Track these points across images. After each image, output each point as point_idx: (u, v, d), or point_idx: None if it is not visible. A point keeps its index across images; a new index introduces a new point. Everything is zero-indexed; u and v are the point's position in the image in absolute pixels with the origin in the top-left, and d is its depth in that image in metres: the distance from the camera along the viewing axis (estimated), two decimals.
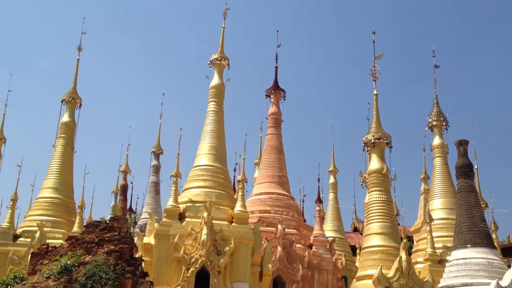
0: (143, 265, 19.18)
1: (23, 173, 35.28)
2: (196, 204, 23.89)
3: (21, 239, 27.05)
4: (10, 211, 28.55)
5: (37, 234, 25.89)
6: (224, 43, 28.47)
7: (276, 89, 34.13)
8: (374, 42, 27.23)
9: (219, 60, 27.89)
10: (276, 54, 35.24)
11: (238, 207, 24.17)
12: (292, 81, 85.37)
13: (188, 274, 21.43)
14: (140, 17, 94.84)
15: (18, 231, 27.78)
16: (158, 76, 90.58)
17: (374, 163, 24.57)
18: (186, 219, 23.51)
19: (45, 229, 26.44)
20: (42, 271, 16.92)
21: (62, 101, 32.10)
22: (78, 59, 33.43)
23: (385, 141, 24.90)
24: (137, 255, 19.40)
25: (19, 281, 16.92)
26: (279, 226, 27.00)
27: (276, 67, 34.90)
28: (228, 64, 28.13)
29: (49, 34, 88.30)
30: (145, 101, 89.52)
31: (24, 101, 77.09)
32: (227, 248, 22.20)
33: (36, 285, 16.06)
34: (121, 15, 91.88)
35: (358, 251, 33.71)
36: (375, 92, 25.87)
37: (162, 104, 42.83)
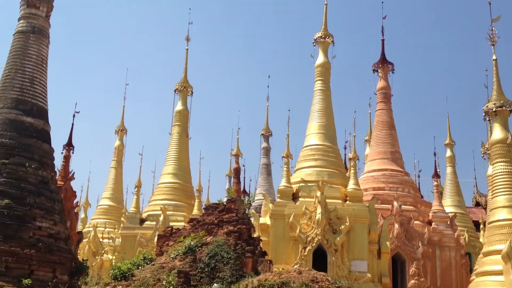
0: (261, 244, 19.66)
1: (145, 161, 37.46)
2: (309, 184, 24.01)
3: (147, 222, 28.85)
4: (135, 197, 30.52)
5: (161, 218, 27.47)
6: (328, 19, 28.11)
7: (383, 63, 33.14)
8: (490, 3, 25.49)
9: (323, 38, 27.58)
10: (382, 27, 34.18)
11: (351, 185, 23.94)
12: (400, 53, 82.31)
13: (306, 253, 21.67)
14: (242, 1, 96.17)
15: (144, 215, 29.65)
16: (263, 59, 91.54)
17: (497, 133, 23.12)
18: (300, 199, 23.71)
19: (167, 212, 27.98)
20: (169, 252, 17.97)
21: (175, 91, 33.58)
22: (187, 49, 34.75)
23: (508, 109, 23.32)
24: (254, 235, 19.95)
25: (148, 262, 18.07)
26: (395, 203, 26.37)
27: (383, 40, 33.85)
28: (332, 41, 27.74)
29: (158, 26, 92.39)
30: (252, 84, 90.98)
31: (140, 93, 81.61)
32: (342, 226, 22.12)
33: (164, 265, 17.08)
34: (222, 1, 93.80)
35: (482, 226, 32.06)
36: (494, 57, 24.21)
37: (268, 86, 43.31)
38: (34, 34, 15.36)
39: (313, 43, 27.92)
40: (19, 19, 15.54)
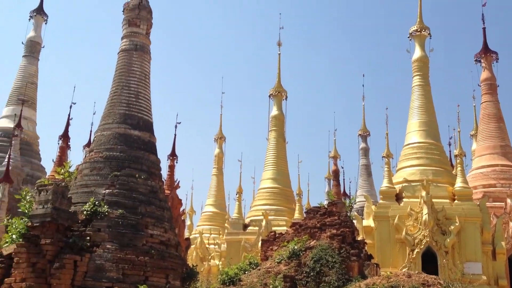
0: (366, 247, 19.23)
1: (244, 167, 38.10)
2: (412, 184, 23.19)
3: (250, 227, 29.28)
4: (237, 202, 31.09)
5: (263, 223, 27.74)
6: (423, 11, 27.08)
7: (486, 52, 31.35)
8: None
9: (418, 31, 26.62)
10: (482, 14, 32.38)
11: (459, 183, 22.80)
12: (504, 42, 77.48)
13: (414, 255, 20.91)
14: (327, 1, 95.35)
15: (246, 220, 30.13)
16: (356, 58, 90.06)
17: None
18: (404, 200, 22.96)
19: (269, 217, 28.21)
20: (273, 257, 18.08)
21: (269, 96, 33.88)
22: (279, 54, 34.95)
23: None
24: (358, 238, 19.56)
25: (254, 267, 18.28)
26: (508, 200, 24.76)
27: (484, 29, 32.05)
28: (429, 34, 26.69)
29: (250, 33, 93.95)
30: (346, 84, 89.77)
31: (236, 100, 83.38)
32: (452, 227, 21.10)
33: (269, 269, 17.20)
34: (309, 4, 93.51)
35: None
36: None
37: (363, 85, 42.42)
38: (136, 52, 16.16)
39: (409, 37, 27.02)
40: (122, 38, 16.42)
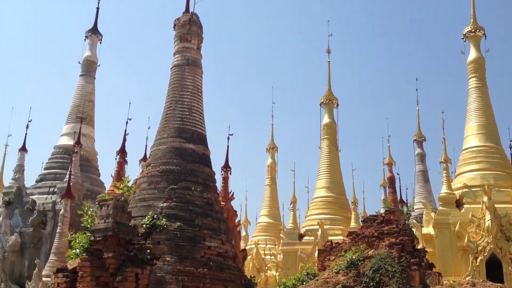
0: (426, 256, 18.71)
1: (297, 176, 37.98)
2: (473, 189, 22.45)
3: (305, 237, 29.09)
4: (292, 212, 30.98)
5: (319, 232, 27.50)
6: (476, 12, 26.32)
7: None
8: None
9: (473, 32, 25.87)
10: None
11: None
12: None
13: (477, 263, 20.18)
14: (376, 6, 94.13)
15: (302, 230, 29.94)
16: (408, 61, 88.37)
17: None
18: (464, 206, 22.24)
19: (325, 226, 27.94)
20: (331, 267, 17.86)
21: (320, 104, 33.69)
22: (329, 62, 34.75)
23: None
24: (418, 247, 19.07)
25: (311, 277, 18.13)
26: None
27: None
28: (484, 34, 25.89)
29: (298, 42, 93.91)
30: (399, 89, 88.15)
31: (286, 109, 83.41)
32: None
33: (327, 280, 17.00)
34: (357, 10, 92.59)
35: None
36: None
37: (417, 89, 41.54)
38: (188, 66, 16.46)
39: (463, 38, 26.30)
40: (174, 54, 16.77)
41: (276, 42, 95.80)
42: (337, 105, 33.64)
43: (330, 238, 25.32)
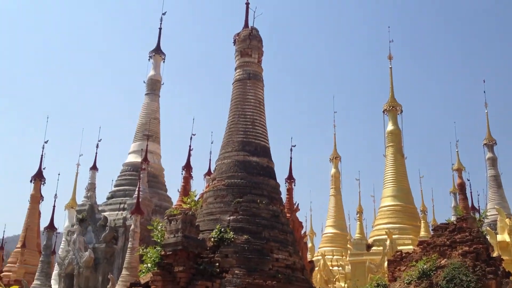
0: (502, 264, 17.91)
1: (362, 185, 37.32)
2: None
3: (373, 248, 28.53)
4: (358, 222, 30.48)
5: (387, 242, 26.91)
6: None
7: None
8: None
9: None
10: None
11: None
12: None
13: None
14: (439, 7, 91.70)
15: (369, 240, 29.39)
16: (475, 64, 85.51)
17: None
18: None
19: (393, 236, 27.32)
20: (402, 278, 17.43)
21: (383, 111, 33.13)
22: (391, 68, 34.17)
23: None
24: (494, 255, 18.29)
25: None
26: None
27: None
28: None
29: (359, 50, 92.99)
30: (465, 93, 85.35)
31: (349, 118, 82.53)
32: None
33: None
34: (418, 13, 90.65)
35: None
36: None
37: (484, 92, 39.96)
38: (250, 80, 16.65)
39: None
40: (235, 69, 17.02)
41: (336, 51, 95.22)
42: (401, 111, 32.99)
43: (399, 248, 24.74)
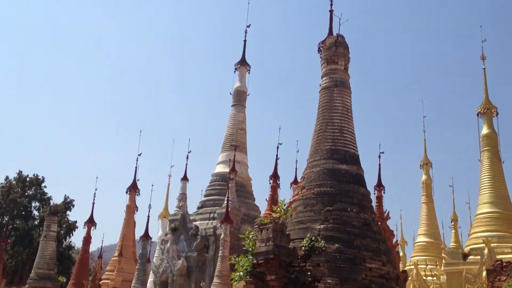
0: None
1: (456, 192, 35.80)
2: None
3: (470, 257, 27.23)
4: (453, 231, 29.28)
5: (485, 251, 25.55)
6: None
7: None
8: None
9: None
10: None
11: None
12: None
13: None
14: None
15: (466, 249, 28.08)
16: None
17: None
18: None
19: (492, 244, 25.92)
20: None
21: (477, 114, 31.71)
22: (484, 69, 32.64)
23: None
24: None
25: None
26: None
27: None
28: None
29: (449, 51, 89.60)
30: None
31: (439, 123, 79.58)
32: None
33: None
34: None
35: None
36: None
37: None
38: (336, 88, 16.53)
39: None
40: (322, 76, 16.98)
41: (424, 53, 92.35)
42: (497, 113, 31.42)
43: (498, 257, 23.46)
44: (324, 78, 16.85)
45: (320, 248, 13.92)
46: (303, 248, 14.10)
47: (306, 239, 14.18)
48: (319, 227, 14.58)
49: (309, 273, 13.59)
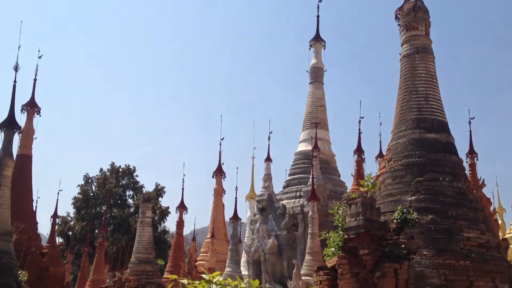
0: None
1: None
2: None
3: None
4: None
5: None
6: None
7: None
8: None
9: None
10: None
11: None
12: None
13: None
14: None
15: None
16: None
17: None
18: None
19: None
20: None
21: None
22: None
23: None
24: None
25: None
26: None
27: None
28: None
29: None
30: None
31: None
32: None
33: None
34: None
35: None
36: None
37: None
38: (418, 54, 15.93)
39: None
40: (402, 44, 16.42)
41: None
42: None
43: None
44: (404, 46, 16.28)
45: (413, 220, 13.61)
46: (394, 221, 13.85)
47: (398, 211, 13.91)
48: (410, 198, 14.25)
49: (403, 245, 13.34)
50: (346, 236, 13.73)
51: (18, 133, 23.99)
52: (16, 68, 23.89)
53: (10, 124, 22.86)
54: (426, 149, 14.93)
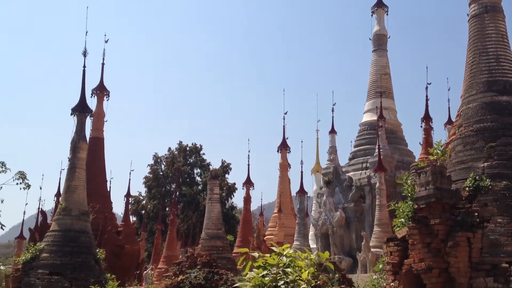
0: None
1: None
2: None
3: None
4: None
5: None
6: None
7: None
8: None
9: None
10: None
11: None
12: None
13: None
14: None
15: None
16: None
17: None
18: None
19: None
20: None
21: None
22: None
23: None
24: None
25: None
26: None
27: None
28: None
29: None
30: None
31: None
32: None
33: None
34: None
35: None
36: None
37: None
38: (487, 14, 15.12)
39: None
40: (469, 4, 15.63)
41: None
42: None
43: None
44: (472, 6, 15.47)
45: (486, 187, 13.07)
46: (466, 188, 13.36)
47: (470, 179, 13.40)
48: (482, 165, 13.67)
49: (476, 214, 12.87)
50: (416, 206, 13.41)
51: (90, 116, 24.82)
52: (84, 54, 24.67)
53: (82, 108, 23.72)
54: (499, 112, 14.23)
